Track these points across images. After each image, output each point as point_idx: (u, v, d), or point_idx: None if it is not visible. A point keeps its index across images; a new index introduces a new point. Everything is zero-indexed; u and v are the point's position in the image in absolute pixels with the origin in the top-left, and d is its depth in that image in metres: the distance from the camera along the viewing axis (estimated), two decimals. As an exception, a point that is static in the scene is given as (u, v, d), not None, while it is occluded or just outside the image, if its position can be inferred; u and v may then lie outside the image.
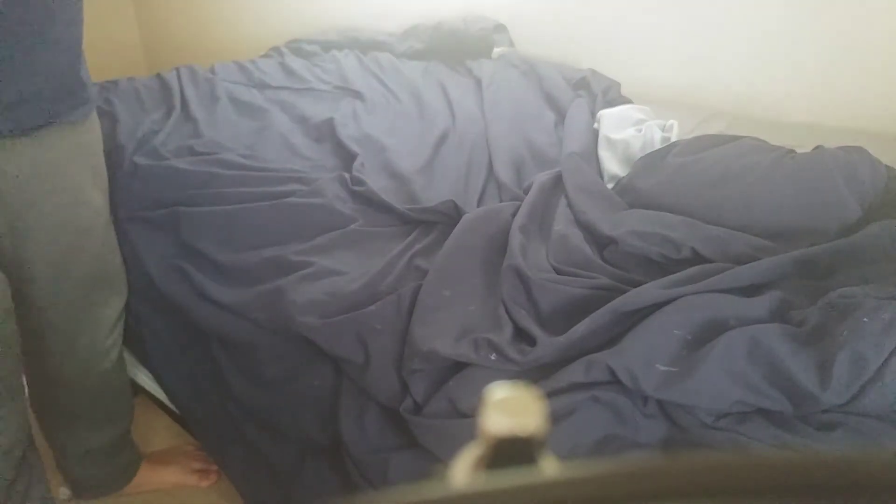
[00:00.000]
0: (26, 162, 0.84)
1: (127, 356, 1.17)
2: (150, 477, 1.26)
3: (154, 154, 1.20)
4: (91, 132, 0.94)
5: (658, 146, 1.30)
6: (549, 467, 0.24)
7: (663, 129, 1.36)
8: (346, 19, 1.97)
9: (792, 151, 1.14)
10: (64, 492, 1.30)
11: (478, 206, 1.16)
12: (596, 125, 1.40)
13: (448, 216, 1.13)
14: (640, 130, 1.34)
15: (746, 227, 1.03)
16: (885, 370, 0.74)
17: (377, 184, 1.20)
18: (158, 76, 1.48)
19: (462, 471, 0.25)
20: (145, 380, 1.19)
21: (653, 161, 1.21)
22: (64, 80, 0.85)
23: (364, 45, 1.76)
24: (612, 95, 1.55)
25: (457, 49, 1.74)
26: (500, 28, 1.79)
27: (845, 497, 0.17)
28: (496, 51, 1.75)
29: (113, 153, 1.17)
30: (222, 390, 1.00)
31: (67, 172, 0.90)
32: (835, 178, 1.04)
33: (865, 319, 0.77)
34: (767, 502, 0.17)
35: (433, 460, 0.79)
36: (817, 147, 1.16)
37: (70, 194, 0.91)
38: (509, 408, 0.24)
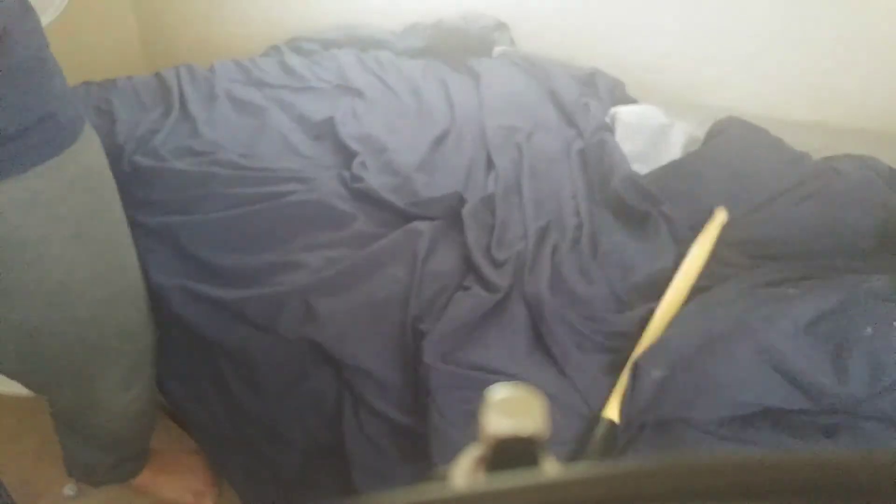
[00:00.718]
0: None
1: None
2: (148, 483, 1.24)
3: (154, 154, 1.19)
4: (47, 177, 0.74)
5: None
6: (551, 468, 0.24)
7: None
8: (345, 17, 1.96)
9: (807, 156, 1.17)
10: (70, 488, 1.30)
11: (480, 202, 1.16)
12: (608, 119, 1.40)
13: (452, 209, 1.13)
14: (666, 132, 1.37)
15: (751, 238, 1.07)
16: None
17: (377, 181, 1.19)
18: (157, 75, 1.48)
19: (463, 472, 0.25)
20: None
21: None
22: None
23: (364, 44, 1.75)
24: (619, 94, 1.55)
25: (457, 47, 1.74)
26: (502, 26, 1.78)
27: (846, 499, 0.17)
28: (497, 49, 1.74)
29: (112, 153, 1.16)
30: (224, 396, 0.99)
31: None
32: (846, 217, 1.06)
33: (895, 323, 0.76)
34: (770, 503, 0.17)
35: (435, 463, 0.79)
36: (828, 162, 1.19)
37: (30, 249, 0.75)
38: (510, 408, 0.24)
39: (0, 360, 0.84)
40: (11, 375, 0.88)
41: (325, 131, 1.35)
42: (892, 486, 0.17)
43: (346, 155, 1.28)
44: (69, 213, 0.78)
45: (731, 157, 1.24)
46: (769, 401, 0.78)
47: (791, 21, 1.51)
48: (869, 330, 0.76)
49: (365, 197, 1.17)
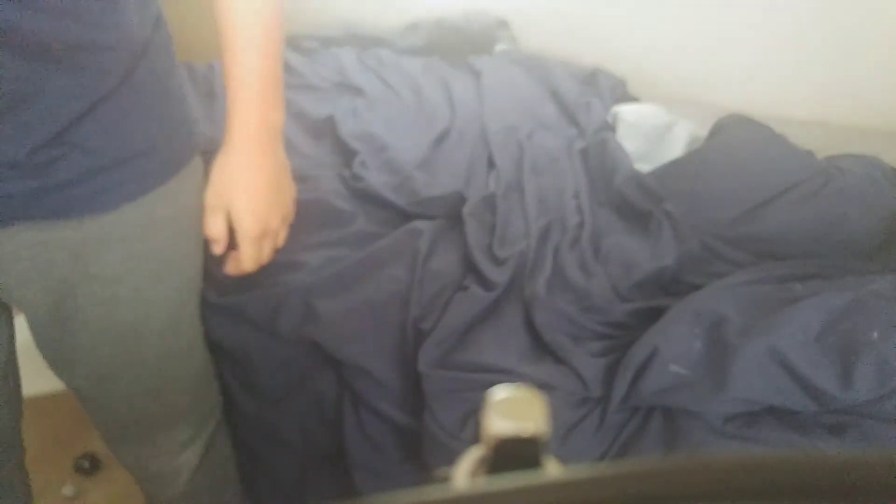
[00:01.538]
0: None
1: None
2: None
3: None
4: (130, 213, 0.68)
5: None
6: (553, 469, 0.24)
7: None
8: (345, 15, 1.96)
9: (811, 154, 1.17)
10: (69, 488, 1.30)
11: (481, 202, 1.16)
12: (610, 119, 1.40)
13: (453, 208, 1.13)
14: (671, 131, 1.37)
15: (754, 236, 1.06)
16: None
17: (378, 180, 1.19)
18: (156, 74, 1.47)
19: (464, 473, 0.25)
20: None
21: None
22: None
23: (364, 42, 1.75)
24: (620, 93, 1.55)
25: (458, 45, 1.73)
26: (503, 24, 1.78)
27: (848, 498, 0.17)
28: (498, 47, 1.74)
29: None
30: (225, 399, 0.98)
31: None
32: (849, 216, 1.06)
33: None
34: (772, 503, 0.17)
35: (436, 465, 0.79)
36: (832, 161, 1.18)
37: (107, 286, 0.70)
38: (511, 409, 0.24)
39: (82, 402, 0.80)
40: (93, 423, 0.83)
41: (325, 130, 1.35)
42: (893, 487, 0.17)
43: (347, 153, 1.27)
44: (149, 254, 0.71)
45: (734, 155, 1.24)
46: (776, 400, 0.78)
47: (795, 19, 1.50)
48: (875, 334, 0.76)
49: (365, 196, 1.17)
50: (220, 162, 0.74)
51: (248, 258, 0.77)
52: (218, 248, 0.76)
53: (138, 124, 0.65)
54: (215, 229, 0.75)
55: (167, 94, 0.68)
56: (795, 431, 0.77)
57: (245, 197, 0.73)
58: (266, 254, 0.79)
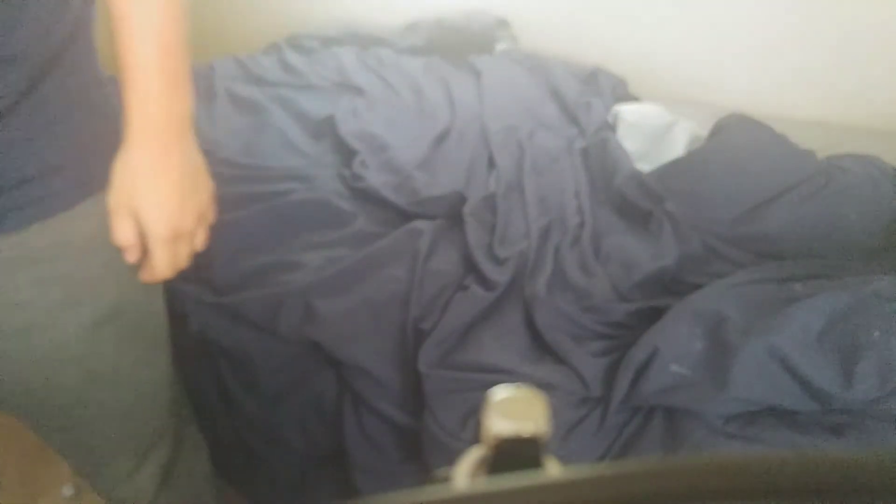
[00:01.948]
0: None
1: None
2: None
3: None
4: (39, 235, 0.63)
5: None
6: (553, 469, 0.24)
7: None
8: (346, 15, 1.96)
9: (811, 154, 1.17)
10: (69, 488, 1.30)
11: (481, 201, 1.16)
12: (610, 118, 1.40)
13: (453, 208, 1.13)
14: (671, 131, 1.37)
15: (754, 236, 1.06)
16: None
17: (378, 180, 1.19)
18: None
19: (465, 473, 0.25)
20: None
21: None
22: None
23: (364, 41, 1.75)
24: (620, 92, 1.54)
25: (459, 45, 1.73)
26: (503, 24, 1.78)
27: (852, 498, 0.17)
28: (499, 47, 1.74)
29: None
30: (223, 399, 0.98)
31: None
32: (849, 216, 1.07)
33: None
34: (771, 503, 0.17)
35: (437, 465, 0.79)
36: (832, 161, 1.18)
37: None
38: (512, 409, 0.24)
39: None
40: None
41: (326, 129, 1.34)
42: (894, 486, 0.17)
43: (347, 153, 1.27)
44: (60, 277, 0.66)
45: (735, 155, 1.24)
46: (777, 400, 0.79)
47: (795, 19, 1.50)
48: (877, 334, 0.76)
49: (365, 196, 1.17)
50: (122, 160, 0.65)
51: (161, 263, 0.69)
52: (131, 256, 0.68)
53: (45, 143, 0.60)
54: (123, 235, 0.67)
55: (84, 109, 0.63)
56: (796, 431, 0.77)
57: (152, 197, 0.65)
58: (183, 257, 0.71)
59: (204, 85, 1.44)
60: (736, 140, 1.29)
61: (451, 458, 0.26)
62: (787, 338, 0.79)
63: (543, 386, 0.84)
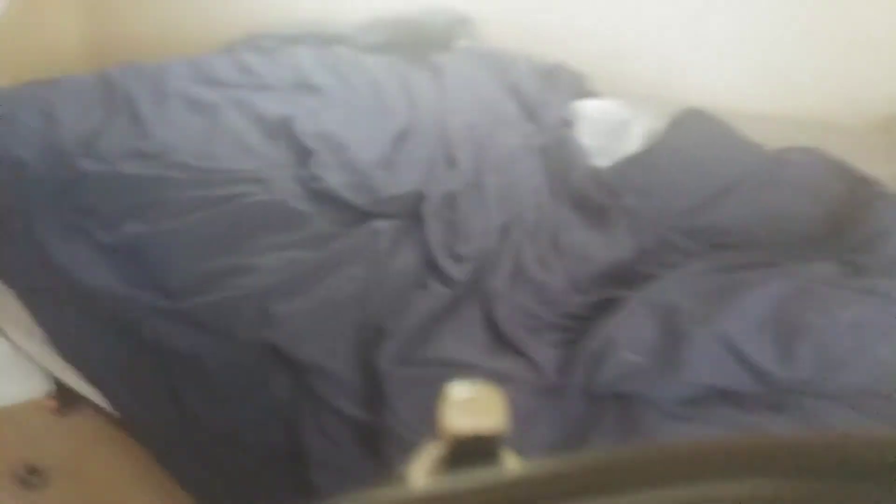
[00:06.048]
0: None
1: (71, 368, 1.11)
2: None
3: (100, 158, 1.15)
4: None
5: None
6: (512, 465, 0.24)
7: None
8: (304, 13, 1.93)
9: (759, 147, 1.21)
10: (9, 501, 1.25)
11: (441, 199, 1.16)
12: (568, 117, 1.42)
13: (412, 207, 1.12)
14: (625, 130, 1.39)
15: (707, 227, 1.10)
16: (847, 361, 0.79)
17: (336, 180, 1.18)
18: (103, 74, 1.42)
19: (422, 472, 0.24)
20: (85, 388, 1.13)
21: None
22: None
23: (323, 39, 1.72)
24: (580, 88, 1.56)
25: (419, 42, 1.72)
26: (464, 21, 1.77)
27: (838, 476, 0.17)
28: (459, 44, 1.73)
29: (55, 158, 1.12)
30: (177, 403, 0.96)
31: None
32: (795, 206, 1.12)
33: (837, 312, 0.82)
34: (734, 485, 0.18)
35: (397, 462, 0.79)
36: (779, 154, 1.23)
37: None
38: (470, 406, 0.24)
39: None
40: None
41: (282, 130, 1.32)
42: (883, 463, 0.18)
43: (303, 153, 1.26)
44: None
45: (689, 149, 1.27)
46: (725, 382, 0.83)
47: (755, 16, 1.55)
48: (815, 317, 0.81)
49: (323, 196, 1.16)
50: None
51: None
52: None
53: None
54: None
55: None
56: (741, 410, 0.81)
57: None
58: None
59: (155, 87, 1.40)
60: (690, 135, 1.32)
61: (412, 453, 0.26)
62: (734, 324, 0.83)
63: (503, 378, 0.85)
